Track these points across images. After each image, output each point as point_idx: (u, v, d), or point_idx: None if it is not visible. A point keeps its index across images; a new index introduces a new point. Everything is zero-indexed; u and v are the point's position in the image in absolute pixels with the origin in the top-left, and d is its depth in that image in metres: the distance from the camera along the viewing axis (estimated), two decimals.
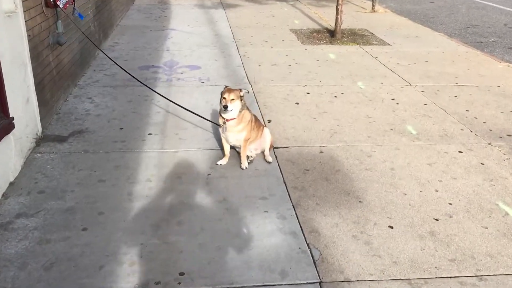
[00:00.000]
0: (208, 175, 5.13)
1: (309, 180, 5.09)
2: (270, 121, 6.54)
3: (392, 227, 4.32)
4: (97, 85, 7.75)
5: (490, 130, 6.45)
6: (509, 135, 6.31)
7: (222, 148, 5.51)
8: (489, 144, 6.04)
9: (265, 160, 5.45)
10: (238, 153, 5.46)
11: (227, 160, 5.39)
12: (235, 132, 5.15)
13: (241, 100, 5.05)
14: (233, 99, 4.97)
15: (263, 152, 5.53)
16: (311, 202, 4.68)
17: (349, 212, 4.53)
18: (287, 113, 6.84)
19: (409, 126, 6.52)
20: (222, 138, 5.33)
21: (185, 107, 6.15)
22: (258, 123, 5.41)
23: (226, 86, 5.24)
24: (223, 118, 5.12)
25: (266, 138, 5.49)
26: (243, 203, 4.62)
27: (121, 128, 6.18)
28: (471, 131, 6.40)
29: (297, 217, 4.43)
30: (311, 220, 4.39)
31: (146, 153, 5.57)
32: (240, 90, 5.11)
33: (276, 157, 5.55)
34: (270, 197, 4.74)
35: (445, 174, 5.28)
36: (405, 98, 7.58)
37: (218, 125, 5.27)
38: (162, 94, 6.61)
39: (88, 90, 7.53)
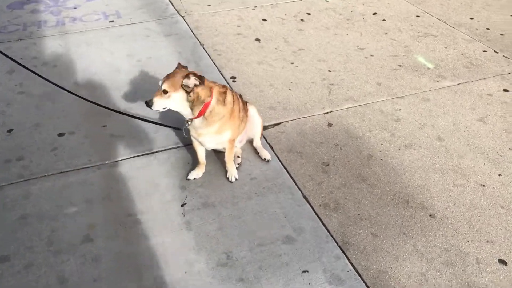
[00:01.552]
0: (182, 205, 3.17)
1: (338, 185, 3.32)
2: (235, 78, 4.50)
3: (505, 263, 2.78)
4: None
5: (502, 35, 4.96)
6: None
7: (191, 144, 3.50)
8: None
9: (260, 157, 3.55)
10: (218, 153, 3.51)
11: (204, 170, 3.43)
12: (211, 134, 3.14)
13: (188, 92, 2.95)
14: (166, 91, 2.91)
15: (251, 142, 3.61)
16: (364, 233, 2.97)
17: (427, 242, 2.90)
18: (251, 59, 4.80)
19: (419, 57, 4.82)
20: (193, 139, 3.30)
21: (113, 108, 3.91)
22: (243, 105, 3.40)
23: (178, 65, 3.12)
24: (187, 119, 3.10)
25: (254, 123, 3.54)
26: (260, 257, 2.81)
27: (9, 131, 3.85)
28: (496, 52, 4.85)
29: (359, 275, 2.72)
30: (383, 276, 2.71)
31: (64, 177, 3.41)
32: (187, 75, 2.94)
33: (271, 147, 3.66)
34: (297, 235, 2.95)
35: (511, 134, 3.75)
36: (389, 10, 5.78)
37: (177, 128, 3.23)
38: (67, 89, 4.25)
39: None
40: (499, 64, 4.66)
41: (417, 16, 5.62)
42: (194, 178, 3.38)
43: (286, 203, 3.18)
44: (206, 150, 3.39)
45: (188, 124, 3.07)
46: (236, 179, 3.37)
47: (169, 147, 3.68)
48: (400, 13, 5.69)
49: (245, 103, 3.42)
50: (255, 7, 5.88)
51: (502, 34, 5.18)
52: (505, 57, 4.78)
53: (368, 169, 3.46)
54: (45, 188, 3.30)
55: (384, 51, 4.90)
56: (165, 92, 2.89)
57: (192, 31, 5.31)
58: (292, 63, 4.69)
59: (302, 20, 5.56)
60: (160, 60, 4.79)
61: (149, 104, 2.90)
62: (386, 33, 5.24)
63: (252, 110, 3.51)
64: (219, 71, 4.60)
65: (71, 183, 3.35)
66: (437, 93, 4.26)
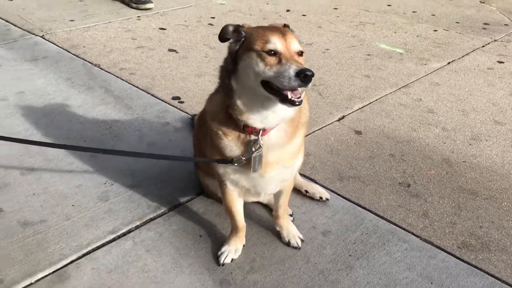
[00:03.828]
0: None
1: (452, 210, 2.13)
2: (179, 99, 2.99)
3: None
4: None
5: (433, 15, 4.49)
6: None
7: (181, 205, 1.93)
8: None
9: (309, 196, 2.15)
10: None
11: (244, 241, 1.88)
12: (287, 160, 1.65)
13: None
14: (302, 53, 1.47)
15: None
16: None
17: None
18: (184, 72, 3.35)
19: (379, 44, 3.96)
20: (232, 187, 1.73)
21: None
22: None
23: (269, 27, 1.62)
24: (254, 127, 1.53)
25: None
26: None
27: None
28: (446, 30, 4.28)
29: None
30: None
31: None
32: (286, 25, 1.59)
33: (311, 180, 2.29)
34: None
35: None
36: (301, 6, 4.88)
37: (227, 161, 1.61)
38: None
39: None
40: (463, 40, 4.06)
41: (335, 8, 4.82)
42: (232, 259, 1.82)
43: (410, 258, 1.85)
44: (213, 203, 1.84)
45: (260, 147, 1.54)
46: (302, 241, 1.90)
47: (148, 216, 2.02)
48: (314, 7, 4.81)
49: None
50: (138, 17, 4.37)
51: (433, 15, 4.67)
52: (459, 33, 4.22)
53: (462, 178, 2.33)
54: None
55: (337, 44, 3.91)
56: (301, 54, 1.47)
57: (68, 51, 3.58)
58: None
59: (211, 24, 4.26)
60: (42, 93, 3.00)
61: (311, 76, 1.35)
62: (320, 27, 4.28)
63: None
64: (148, 93, 3.03)
65: None
66: (437, 75, 3.41)
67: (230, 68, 1.50)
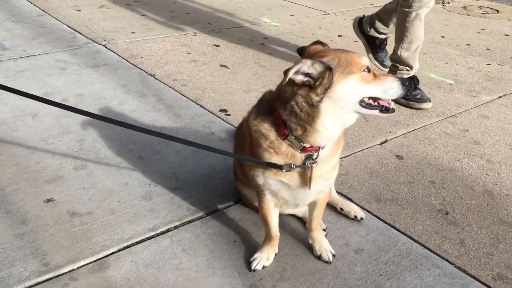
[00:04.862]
0: None
1: (489, 241, 2.12)
2: (226, 111, 3.10)
3: None
4: None
5: (488, 49, 4.40)
6: None
7: (218, 211, 1.99)
8: None
9: (343, 214, 2.18)
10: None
11: (277, 250, 1.93)
12: (328, 172, 1.71)
13: None
14: None
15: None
16: None
17: None
18: (232, 87, 3.46)
19: (430, 73, 3.96)
20: (270, 197, 1.79)
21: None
22: None
23: (319, 43, 1.71)
24: (317, 146, 1.63)
25: None
26: None
27: None
28: (500, 64, 4.21)
29: None
30: None
31: None
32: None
33: (347, 198, 2.31)
34: None
35: None
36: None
37: (277, 166, 1.65)
38: None
39: None
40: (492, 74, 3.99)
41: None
42: (264, 267, 1.87)
43: (441, 284, 1.84)
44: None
45: (315, 163, 1.62)
46: (334, 256, 1.93)
47: (187, 218, 2.10)
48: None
49: None
50: (195, 33, 4.55)
51: (487, 49, 4.61)
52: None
53: (504, 211, 2.30)
54: None
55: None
56: None
57: (127, 61, 3.78)
58: None
59: (263, 44, 4.38)
60: (99, 96, 3.18)
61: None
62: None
63: None
64: (197, 104, 3.15)
65: None
66: (487, 108, 3.36)
67: (319, 99, 1.49)
